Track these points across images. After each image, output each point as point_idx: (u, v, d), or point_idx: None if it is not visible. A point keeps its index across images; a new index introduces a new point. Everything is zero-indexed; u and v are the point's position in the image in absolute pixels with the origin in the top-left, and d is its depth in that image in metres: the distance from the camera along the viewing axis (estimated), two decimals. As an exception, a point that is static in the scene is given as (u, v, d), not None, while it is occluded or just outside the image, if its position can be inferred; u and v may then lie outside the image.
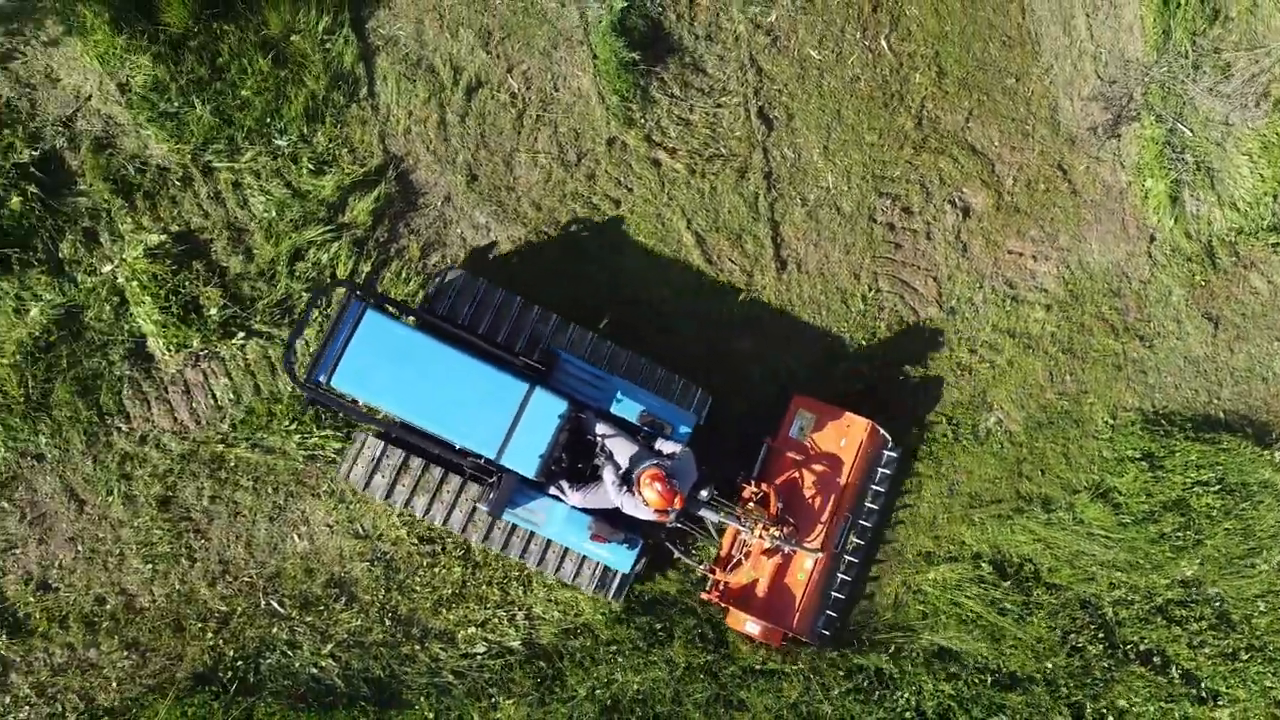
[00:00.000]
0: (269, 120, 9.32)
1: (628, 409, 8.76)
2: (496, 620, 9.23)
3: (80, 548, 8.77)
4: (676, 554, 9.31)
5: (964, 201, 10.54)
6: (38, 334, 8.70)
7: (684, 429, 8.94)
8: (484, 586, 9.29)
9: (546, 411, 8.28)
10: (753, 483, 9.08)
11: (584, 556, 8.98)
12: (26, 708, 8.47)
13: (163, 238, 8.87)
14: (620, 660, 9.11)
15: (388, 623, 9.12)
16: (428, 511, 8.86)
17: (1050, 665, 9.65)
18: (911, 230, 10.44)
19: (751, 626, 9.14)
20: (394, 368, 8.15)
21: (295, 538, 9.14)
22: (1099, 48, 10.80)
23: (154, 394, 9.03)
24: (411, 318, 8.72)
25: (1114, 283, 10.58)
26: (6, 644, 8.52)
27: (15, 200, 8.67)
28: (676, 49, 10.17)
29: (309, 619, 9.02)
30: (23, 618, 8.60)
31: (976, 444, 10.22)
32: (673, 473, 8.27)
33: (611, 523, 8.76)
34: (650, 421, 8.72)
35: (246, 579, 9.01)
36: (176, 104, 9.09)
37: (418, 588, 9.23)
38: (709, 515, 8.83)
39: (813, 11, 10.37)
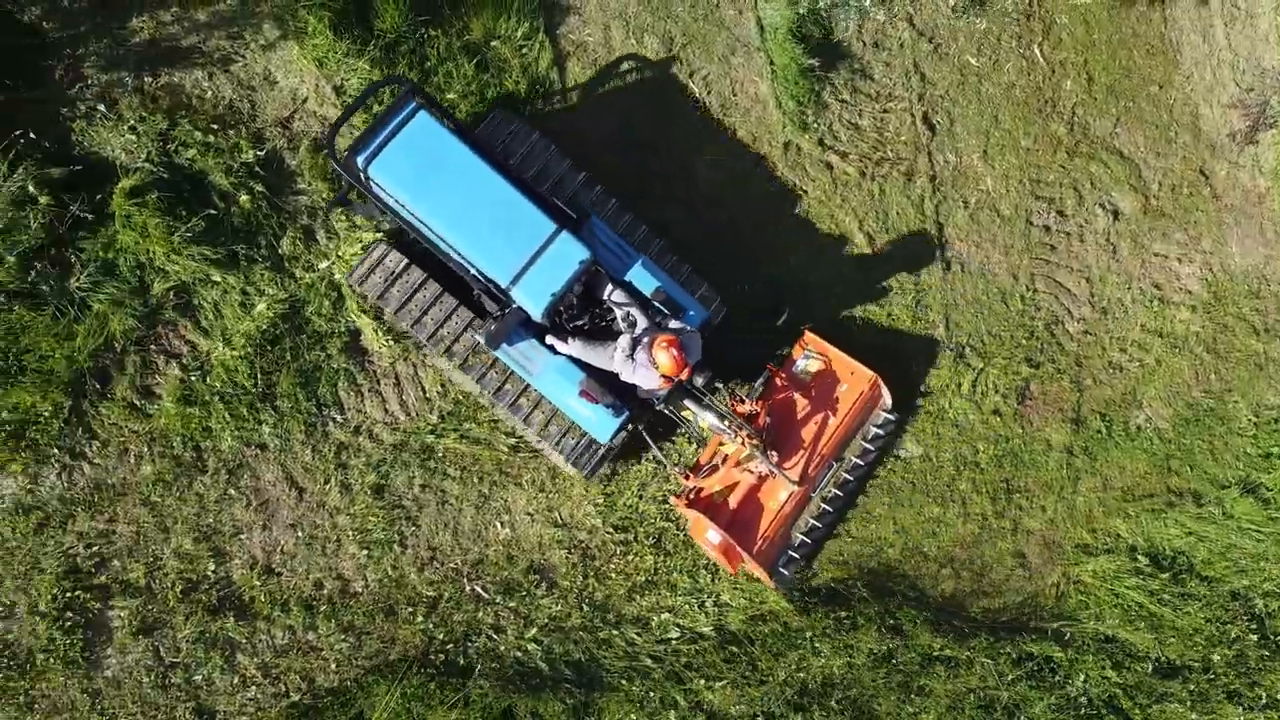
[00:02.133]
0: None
1: (645, 282, 8.74)
2: (687, 606, 9.46)
3: (300, 534, 9.00)
4: (652, 447, 9.23)
5: (1113, 205, 10.86)
6: (264, 327, 8.92)
7: (695, 316, 8.88)
8: (674, 574, 9.51)
9: (568, 255, 8.24)
10: (747, 400, 8.99)
11: (565, 425, 8.87)
12: (253, 687, 8.71)
13: (376, 236, 9.08)
14: (814, 645, 9.37)
15: (585, 608, 9.34)
16: (414, 325, 8.77)
17: (1216, 655, 9.89)
18: (1065, 232, 10.76)
19: (713, 535, 8.94)
20: (432, 172, 8.11)
21: (498, 525, 9.38)
22: (1236, 56, 11.14)
23: (367, 386, 9.24)
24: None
25: (1254, 284, 10.91)
26: (234, 626, 8.75)
27: (244, 199, 8.90)
28: (846, 56, 10.48)
29: (511, 604, 9.24)
30: (248, 600, 8.82)
31: (1128, 440, 10.50)
32: (683, 345, 8.24)
33: (602, 386, 8.63)
34: (664, 300, 8.70)
35: (453, 565, 9.24)
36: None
37: (612, 574, 9.46)
38: (696, 409, 8.69)
39: (973, 19, 10.71)
